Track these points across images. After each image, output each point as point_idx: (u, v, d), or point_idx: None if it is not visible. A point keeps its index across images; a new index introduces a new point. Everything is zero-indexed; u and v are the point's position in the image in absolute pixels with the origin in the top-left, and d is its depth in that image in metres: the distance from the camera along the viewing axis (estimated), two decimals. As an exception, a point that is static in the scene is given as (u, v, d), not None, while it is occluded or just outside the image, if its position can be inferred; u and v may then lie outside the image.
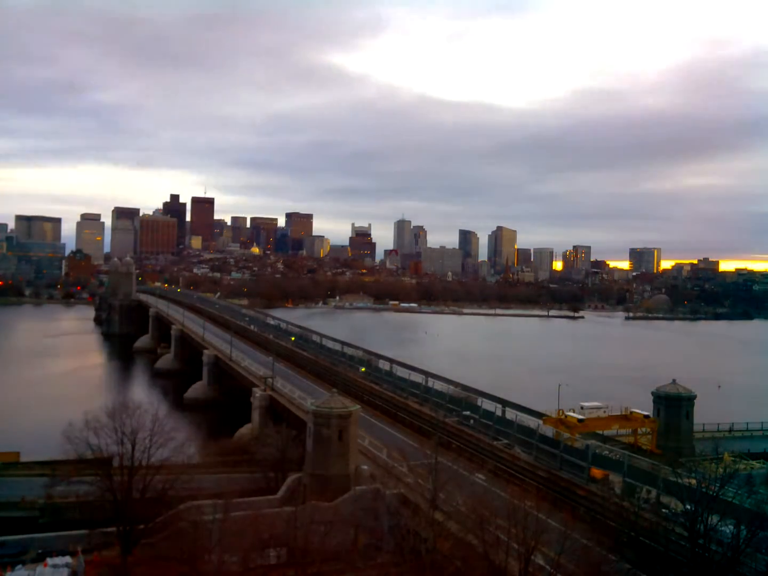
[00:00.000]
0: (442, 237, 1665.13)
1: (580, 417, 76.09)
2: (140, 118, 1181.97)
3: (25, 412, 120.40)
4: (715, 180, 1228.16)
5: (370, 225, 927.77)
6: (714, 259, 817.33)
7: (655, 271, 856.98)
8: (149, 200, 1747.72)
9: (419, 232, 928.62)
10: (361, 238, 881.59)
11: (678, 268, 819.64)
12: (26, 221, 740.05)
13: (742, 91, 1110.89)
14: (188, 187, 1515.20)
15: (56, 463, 69.23)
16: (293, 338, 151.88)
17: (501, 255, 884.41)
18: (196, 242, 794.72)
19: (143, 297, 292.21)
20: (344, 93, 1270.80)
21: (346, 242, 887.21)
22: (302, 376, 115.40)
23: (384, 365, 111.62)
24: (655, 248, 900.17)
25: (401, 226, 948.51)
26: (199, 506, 53.70)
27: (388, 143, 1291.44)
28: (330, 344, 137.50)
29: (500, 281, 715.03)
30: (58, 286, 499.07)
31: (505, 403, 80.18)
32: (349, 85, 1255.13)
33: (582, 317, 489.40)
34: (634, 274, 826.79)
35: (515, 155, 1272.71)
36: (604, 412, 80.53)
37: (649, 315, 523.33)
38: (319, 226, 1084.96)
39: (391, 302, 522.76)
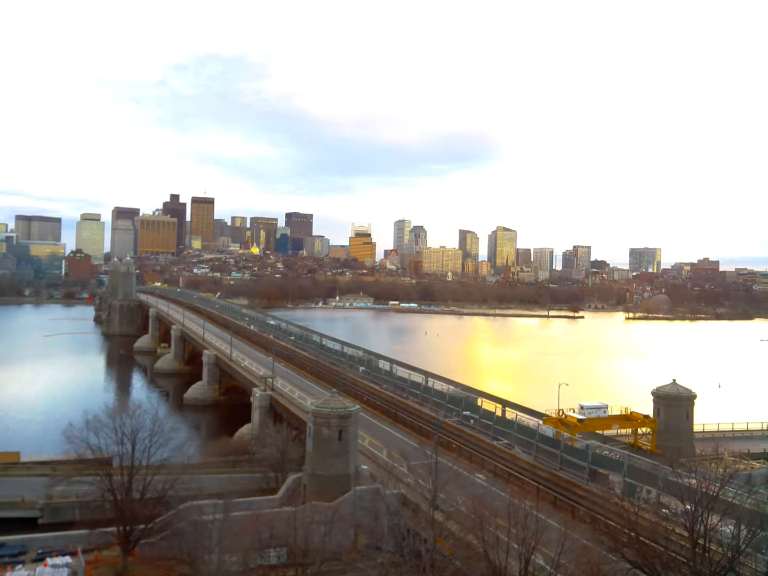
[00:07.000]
0: (442, 237, 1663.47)
1: (580, 417, 76.08)
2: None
3: (25, 412, 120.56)
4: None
5: (370, 225, 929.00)
6: (714, 259, 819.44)
7: (655, 271, 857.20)
8: (149, 200, 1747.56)
9: (419, 232, 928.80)
10: (361, 238, 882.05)
11: (678, 268, 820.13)
12: (26, 221, 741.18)
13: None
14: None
15: (56, 463, 69.44)
16: (293, 338, 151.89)
17: (501, 255, 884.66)
18: (196, 242, 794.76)
19: (143, 297, 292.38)
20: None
21: (346, 242, 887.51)
22: (302, 376, 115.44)
23: (384, 365, 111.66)
24: (655, 248, 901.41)
25: (401, 226, 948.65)
26: (199, 506, 53.72)
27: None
28: (330, 344, 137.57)
29: (500, 281, 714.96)
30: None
31: (505, 403, 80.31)
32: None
33: (582, 317, 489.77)
34: (634, 274, 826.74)
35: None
36: (604, 412, 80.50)
37: (649, 315, 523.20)
38: (319, 226, 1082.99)
39: (391, 302, 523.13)
